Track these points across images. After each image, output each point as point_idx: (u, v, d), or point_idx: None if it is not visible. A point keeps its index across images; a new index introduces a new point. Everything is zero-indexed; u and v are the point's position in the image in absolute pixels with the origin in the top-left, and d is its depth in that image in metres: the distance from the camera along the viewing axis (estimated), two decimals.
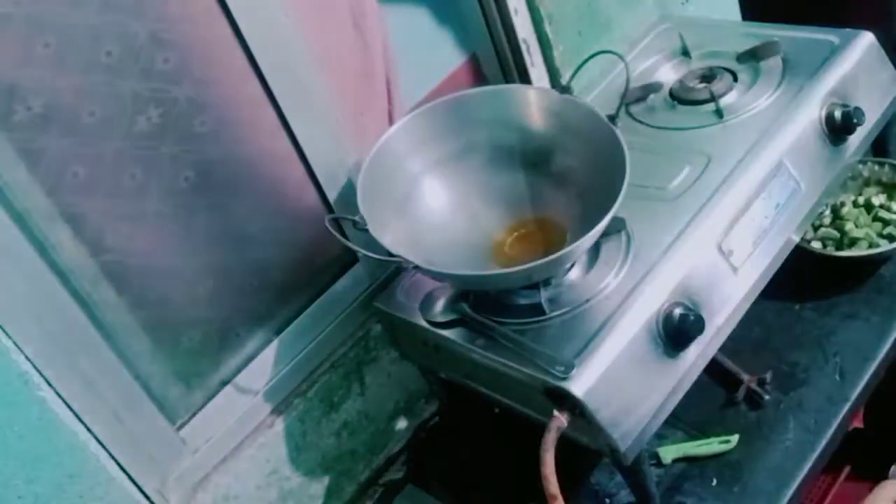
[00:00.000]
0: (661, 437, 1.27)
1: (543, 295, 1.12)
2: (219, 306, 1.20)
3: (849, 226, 1.42)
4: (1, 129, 0.95)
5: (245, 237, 1.20)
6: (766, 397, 1.27)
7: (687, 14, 1.66)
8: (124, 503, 1.10)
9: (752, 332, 1.36)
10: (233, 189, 1.17)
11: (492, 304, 1.15)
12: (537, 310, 1.12)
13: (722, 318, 1.13)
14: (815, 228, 1.45)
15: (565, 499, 0.96)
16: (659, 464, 1.23)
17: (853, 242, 1.40)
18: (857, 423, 1.34)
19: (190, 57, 1.07)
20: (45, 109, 0.98)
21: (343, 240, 1.09)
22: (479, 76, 1.51)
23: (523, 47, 1.46)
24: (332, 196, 1.26)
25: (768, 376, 1.28)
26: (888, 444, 1.29)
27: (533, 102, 1.24)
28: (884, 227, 1.42)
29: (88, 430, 1.05)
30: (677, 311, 1.08)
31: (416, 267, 1.08)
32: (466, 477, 1.38)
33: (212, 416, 1.21)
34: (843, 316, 1.35)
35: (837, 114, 1.25)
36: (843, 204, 1.47)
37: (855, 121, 1.25)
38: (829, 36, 1.36)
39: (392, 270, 1.32)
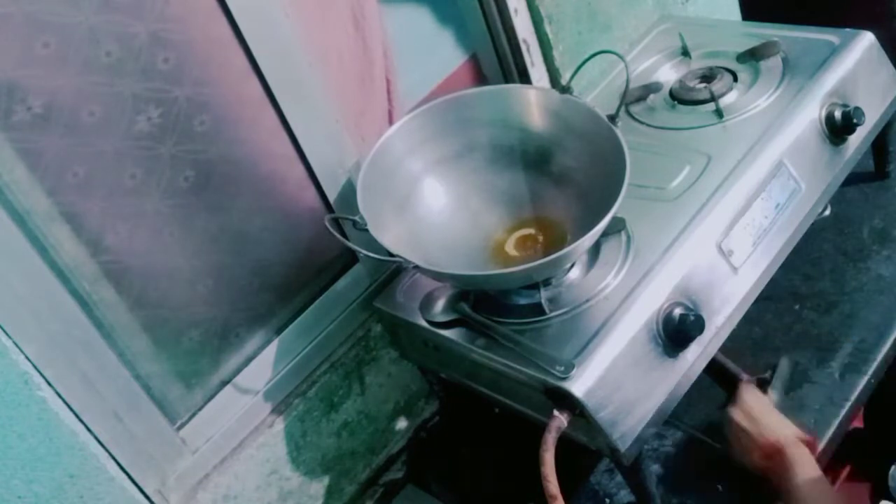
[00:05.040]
0: (660, 436, 1.28)
1: (543, 295, 1.12)
2: (219, 306, 1.20)
3: None
4: (1, 129, 0.95)
5: (245, 237, 1.20)
6: None
7: (687, 14, 1.67)
8: (124, 503, 1.10)
9: (752, 332, 1.36)
10: (233, 189, 1.17)
11: (492, 304, 1.15)
12: (537, 310, 1.12)
13: (722, 318, 1.13)
14: None
15: (565, 499, 0.96)
16: None
17: None
18: (857, 423, 1.34)
19: (190, 57, 1.07)
20: (45, 109, 0.98)
21: (343, 240, 1.08)
22: (479, 76, 1.51)
23: (523, 47, 1.46)
24: (332, 196, 1.26)
25: (768, 376, 1.28)
26: (888, 444, 1.29)
27: (533, 102, 1.24)
28: None
29: (88, 430, 1.05)
30: (677, 311, 1.08)
31: (416, 267, 1.08)
32: (466, 477, 1.38)
33: (212, 416, 1.21)
34: (843, 316, 1.34)
35: (837, 114, 1.25)
36: None
37: (855, 121, 1.25)
38: (829, 36, 1.36)
39: (392, 270, 1.32)
